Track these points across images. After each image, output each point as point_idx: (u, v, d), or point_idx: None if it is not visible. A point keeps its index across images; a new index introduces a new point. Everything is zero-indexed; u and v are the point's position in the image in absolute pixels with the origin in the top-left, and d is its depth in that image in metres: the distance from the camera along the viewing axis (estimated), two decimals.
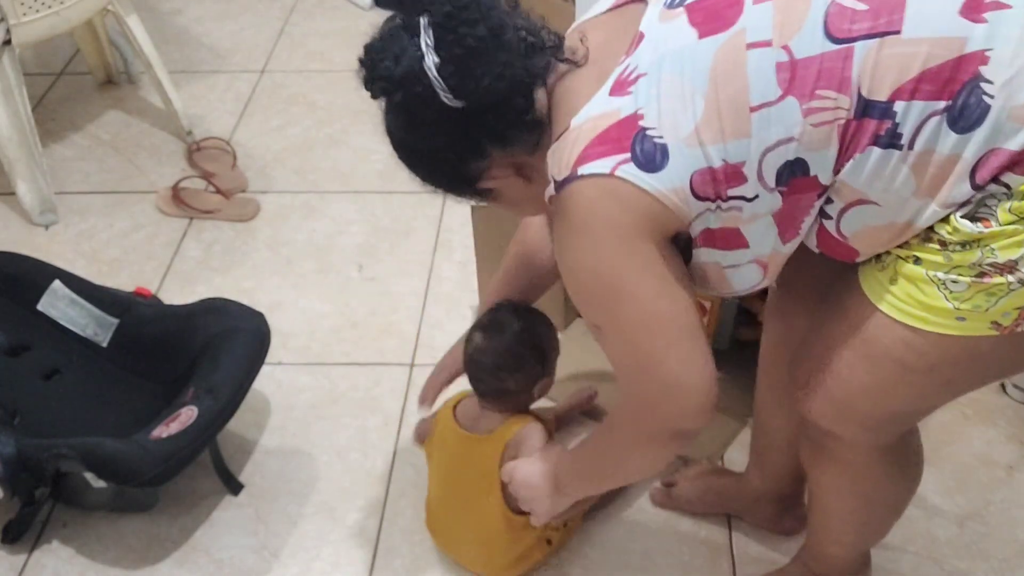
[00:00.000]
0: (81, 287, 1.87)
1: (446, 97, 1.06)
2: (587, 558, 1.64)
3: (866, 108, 0.99)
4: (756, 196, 1.05)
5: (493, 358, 1.48)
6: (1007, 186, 0.97)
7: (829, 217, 1.08)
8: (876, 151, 1.00)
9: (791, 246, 1.12)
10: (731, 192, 1.05)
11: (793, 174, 1.04)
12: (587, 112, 1.08)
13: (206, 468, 1.75)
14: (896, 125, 0.98)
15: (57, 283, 1.85)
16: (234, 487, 1.76)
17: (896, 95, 0.98)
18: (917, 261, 1.05)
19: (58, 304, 1.85)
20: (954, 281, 1.02)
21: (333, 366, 1.99)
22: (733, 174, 1.04)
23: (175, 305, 1.88)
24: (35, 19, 2.21)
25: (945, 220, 1.01)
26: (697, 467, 1.73)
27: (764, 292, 1.76)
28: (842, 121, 1.00)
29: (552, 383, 1.55)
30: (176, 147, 2.57)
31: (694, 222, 1.09)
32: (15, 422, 1.71)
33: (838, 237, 1.09)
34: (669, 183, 1.04)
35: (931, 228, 1.03)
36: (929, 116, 0.97)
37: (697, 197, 1.06)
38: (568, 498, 1.43)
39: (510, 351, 1.48)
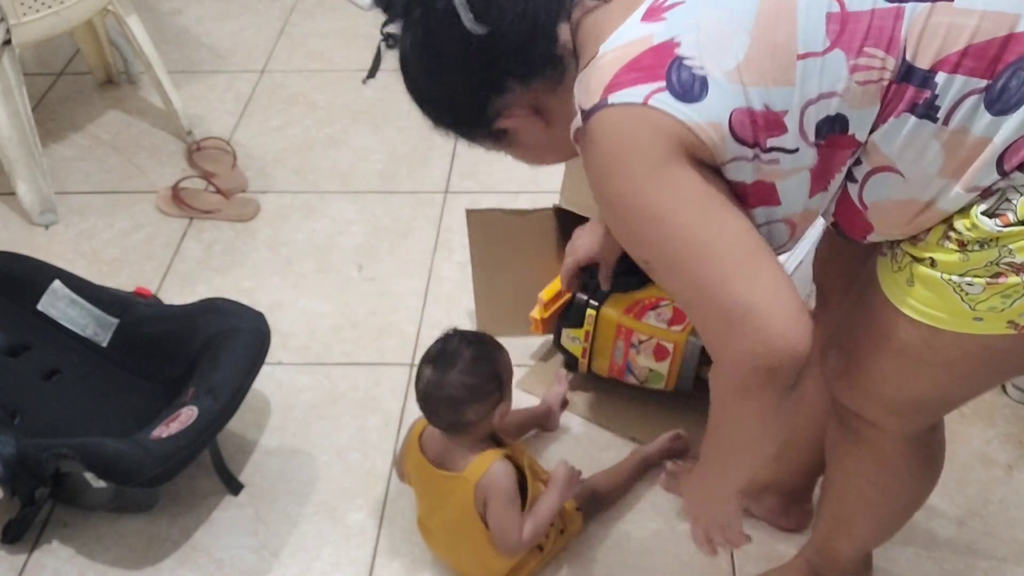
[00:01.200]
0: (81, 287, 1.87)
1: (468, 20, 1.02)
2: (587, 558, 1.64)
3: (908, 73, 0.97)
4: (797, 149, 1.01)
5: (449, 391, 1.44)
6: None
7: (855, 180, 1.05)
8: (912, 119, 0.98)
9: (818, 200, 1.08)
10: (771, 143, 1.00)
11: (832, 130, 1.00)
12: (617, 38, 1.02)
13: (206, 468, 1.75)
14: (935, 97, 0.96)
15: (57, 283, 1.85)
16: (234, 487, 1.76)
17: (939, 65, 0.96)
18: (933, 264, 1.03)
19: (58, 304, 1.85)
20: (969, 284, 1.02)
21: (333, 366, 1.99)
22: (774, 122, 0.99)
23: (175, 305, 1.89)
24: (35, 19, 2.21)
25: (965, 216, 1.00)
26: None
27: None
28: (886, 83, 0.97)
29: (510, 407, 1.51)
30: (176, 147, 2.57)
31: (728, 166, 1.02)
32: (15, 422, 1.71)
33: (858, 205, 1.06)
34: (707, 116, 0.98)
35: (950, 226, 1.01)
36: (969, 93, 0.96)
37: (736, 139, 0.99)
38: (730, 497, 1.29)
39: (465, 383, 1.44)
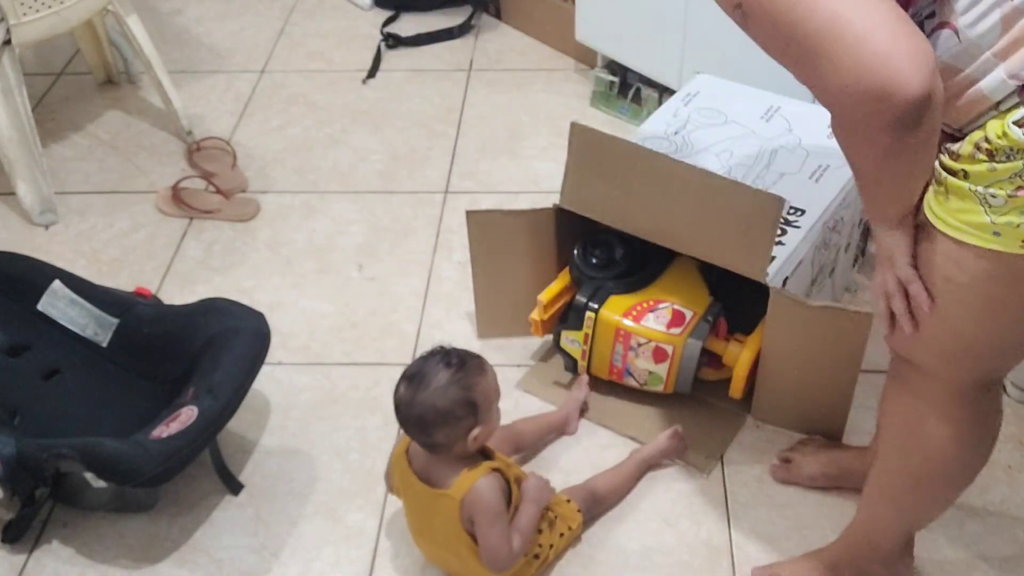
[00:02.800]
0: (81, 287, 1.87)
1: None
2: (587, 558, 1.64)
3: None
4: None
5: (418, 411, 1.43)
6: None
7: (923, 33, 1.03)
8: None
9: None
10: None
11: None
12: None
13: (206, 468, 1.75)
14: None
15: (57, 283, 1.85)
16: (234, 487, 1.76)
17: None
18: (965, 176, 1.07)
19: (58, 304, 1.85)
20: (993, 196, 1.05)
21: (333, 366, 1.99)
22: None
23: (175, 305, 1.89)
24: (35, 19, 2.21)
25: (1000, 121, 1.03)
26: (813, 442, 1.75)
27: (731, 329, 1.77)
28: None
29: (492, 430, 1.49)
30: (176, 147, 2.57)
31: None
32: (15, 422, 1.71)
33: None
34: None
35: (985, 137, 1.04)
36: None
37: None
38: (882, 220, 1.19)
39: (434, 406, 1.42)
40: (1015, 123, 1.02)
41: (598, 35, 2.60)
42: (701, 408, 1.84)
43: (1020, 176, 1.03)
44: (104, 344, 1.84)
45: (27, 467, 1.60)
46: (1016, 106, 1.03)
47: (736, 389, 1.75)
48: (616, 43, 2.55)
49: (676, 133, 1.96)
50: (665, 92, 2.46)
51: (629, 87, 2.57)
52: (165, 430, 1.58)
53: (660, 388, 1.78)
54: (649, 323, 1.73)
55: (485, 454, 1.53)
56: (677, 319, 1.73)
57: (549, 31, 2.87)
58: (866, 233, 2.06)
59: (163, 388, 1.78)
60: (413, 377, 1.45)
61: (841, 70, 0.98)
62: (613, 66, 2.61)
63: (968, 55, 1.04)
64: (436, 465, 1.49)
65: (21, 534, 1.69)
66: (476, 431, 1.45)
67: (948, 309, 1.17)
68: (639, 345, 1.73)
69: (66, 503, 1.71)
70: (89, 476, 1.57)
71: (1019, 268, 1.09)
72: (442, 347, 1.49)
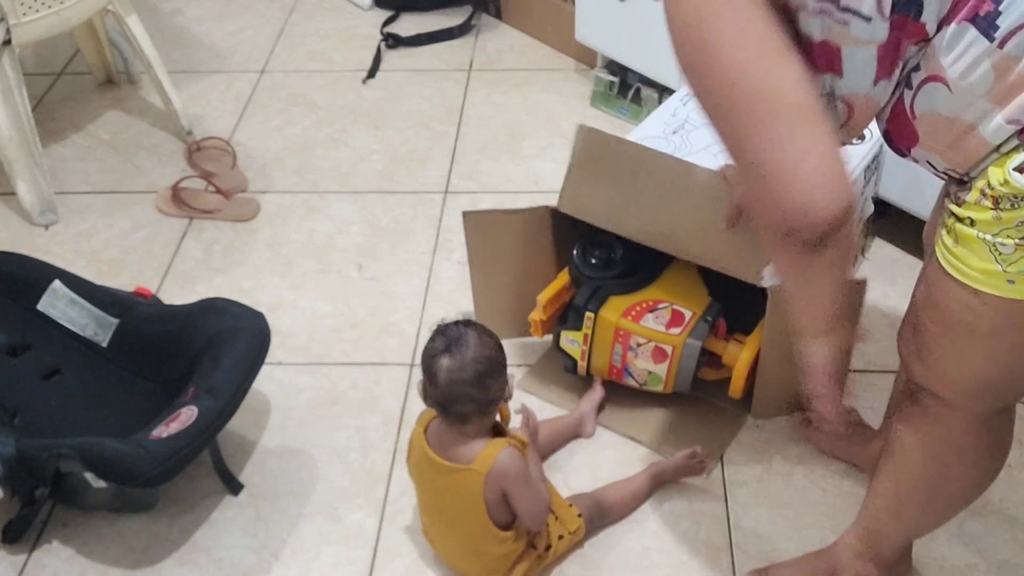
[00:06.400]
0: (81, 287, 1.87)
1: None
2: (587, 558, 1.64)
3: None
4: (871, 19, 1.00)
5: (474, 368, 1.44)
6: None
7: (910, 87, 1.07)
8: (972, 31, 0.99)
9: (882, 88, 1.08)
10: (846, 2, 1.00)
11: (907, 10, 1.00)
12: None
13: (206, 468, 1.75)
14: (997, 14, 0.97)
15: (57, 283, 1.85)
16: (234, 487, 1.76)
17: None
18: (972, 223, 1.07)
19: (58, 304, 1.85)
20: (1002, 243, 1.05)
21: (333, 366, 1.99)
22: None
23: (175, 305, 1.88)
24: (35, 19, 2.21)
25: (999, 168, 1.02)
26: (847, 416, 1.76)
27: (730, 330, 1.77)
28: None
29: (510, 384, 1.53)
30: (176, 147, 2.57)
31: (801, 17, 1.03)
32: (15, 422, 1.71)
33: (908, 112, 1.09)
34: None
35: (988, 183, 1.04)
36: None
37: None
38: (813, 337, 1.24)
39: (486, 356, 1.45)
40: (1016, 169, 1.01)
41: (598, 35, 2.60)
42: (700, 408, 1.84)
43: None
44: (104, 344, 1.84)
45: (27, 467, 1.60)
46: (1016, 149, 1.02)
47: (736, 389, 1.75)
48: (616, 43, 2.55)
49: (675, 133, 1.96)
50: (665, 92, 2.46)
51: (629, 87, 2.57)
52: (165, 430, 1.58)
53: (660, 388, 1.78)
54: (648, 323, 1.73)
55: (498, 431, 1.54)
56: (676, 319, 1.73)
57: (549, 31, 2.87)
58: (864, 230, 2.07)
59: (163, 388, 1.78)
60: (449, 346, 1.46)
61: (760, 200, 1.04)
62: (613, 66, 2.61)
63: (962, 103, 1.03)
64: (457, 444, 1.50)
65: (21, 534, 1.69)
66: (509, 384, 1.50)
67: (968, 355, 1.17)
68: (638, 345, 1.73)
69: (66, 503, 1.71)
70: (89, 476, 1.57)
71: None
72: (444, 320, 1.51)
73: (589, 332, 1.76)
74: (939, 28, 1.01)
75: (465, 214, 1.84)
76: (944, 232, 1.12)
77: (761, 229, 1.11)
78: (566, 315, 1.81)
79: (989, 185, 1.04)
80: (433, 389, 1.47)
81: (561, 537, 1.60)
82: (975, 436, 1.28)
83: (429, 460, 1.52)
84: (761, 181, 1.02)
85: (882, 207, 2.07)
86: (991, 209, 1.04)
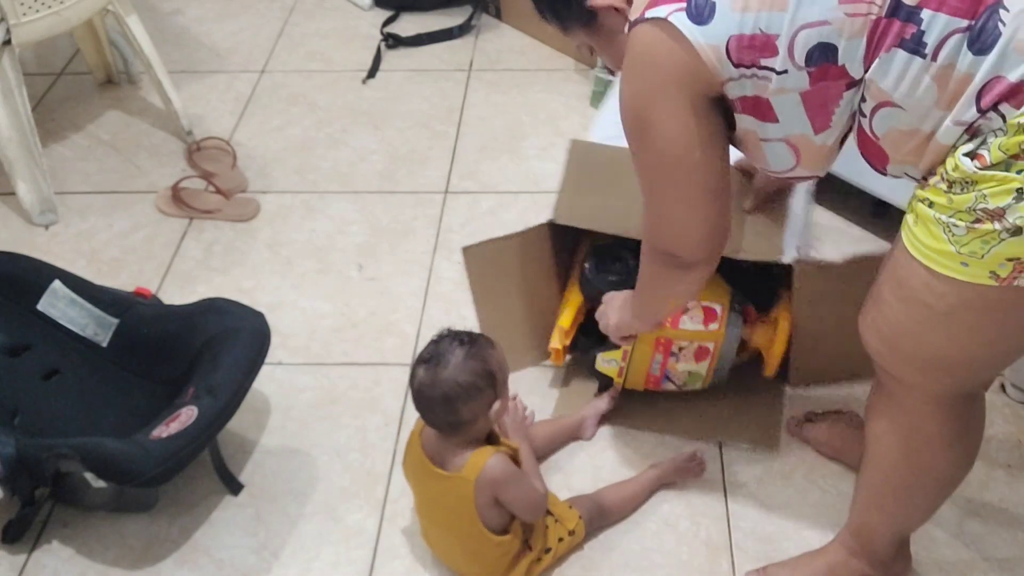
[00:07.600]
0: (81, 287, 1.87)
1: None
2: (587, 558, 1.64)
3: (895, 8, 1.07)
4: (786, 71, 1.15)
5: (443, 389, 1.44)
6: (1003, 117, 1.04)
7: (864, 115, 1.17)
8: (901, 54, 1.08)
9: (824, 137, 1.21)
10: (763, 62, 1.15)
11: (824, 58, 1.12)
12: None
13: (206, 468, 1.75)
14: (921, 33, 1.05)
15: (57, 283, 1.85)
16: (234, 487, 1.76)
17: (924, 3, 1.05)
18: (930, 204, 1.13)
19: (58, 304, 1.85)
20: (955, 225, 1.10)
21: (333, 366, 1.99)
22: (766, 45, 1.13)
23: (175, 305, 1.89)
24: (35, 19, 2.21)
25: (952, 156, 1.09)
26: (841, 416, 1.78)
27: (756, 313, 1.78)
28: (874, 16, 1.08)
29: (507, 405, 1.53)
30: (176, 147, 2.57)
31: (731, 85, 1.19)
32: (15, 422, 1.71)
33: (871, 137, 1.18)
34: (709, 39, 1.15)
35: (944, 168, 1.11)
36: (952, 32, 1.05)
37: (733, 62, 1.16)
38: (633, 320, 1.58)
39: (457, 381, 1.44)
40: (965, 155, 1.07)
41: None
42: (736, 395, 1.84)
43: (973, 210, 1.07)
44: (104, 344, 1.84)
45: (27, 467, 1.60)
46: (962, 142, 1.08)
47: (772, 367, 1.77)
48: None
49: None
50: None
51: None
52: (165, 430, 1.58)
53: (699, 386, 1.78)
54: (687, 325, 1.72)
55: (491, 440, 1.54)
56: (710, 315, 1.73)
57: (549, 31, 2.82)
58: None
59: (163, 388, 1.78)
60: (430, 359, 1.47)
61: (655, 247, 1.37)
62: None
63: (917, 116, 1.12)
64: (447, 450, 1.51)
65: (21, 534, 1.69)
66: (496, 404, 1.48)
67: (925, 332, 1.20)
68: (680, 349, 1.73)
69: (66, 503, 1.71)
70: (89, 476, 1.57)
71: (991, 298, 1.12)
72: (449, 329, 1.51)
73: (630, 348, 1.74)
74: (866, 66, 1.11)
75: (465, 249, 1.79)
76: (908, 212, 1.18)
77: (646, 246, 1.39)
78: (585, 335, 1.79)
79: (946, 170, 1.10)
80: (411, 392, 1.50)
81: (561, 539, 1.60)
82: (941, 423, 1.30)
83: (423, 465, 1.52)
84: (664, 223, 1.33)
85: (882, 207, 2.07)
86: (945, 192, 1.10)
